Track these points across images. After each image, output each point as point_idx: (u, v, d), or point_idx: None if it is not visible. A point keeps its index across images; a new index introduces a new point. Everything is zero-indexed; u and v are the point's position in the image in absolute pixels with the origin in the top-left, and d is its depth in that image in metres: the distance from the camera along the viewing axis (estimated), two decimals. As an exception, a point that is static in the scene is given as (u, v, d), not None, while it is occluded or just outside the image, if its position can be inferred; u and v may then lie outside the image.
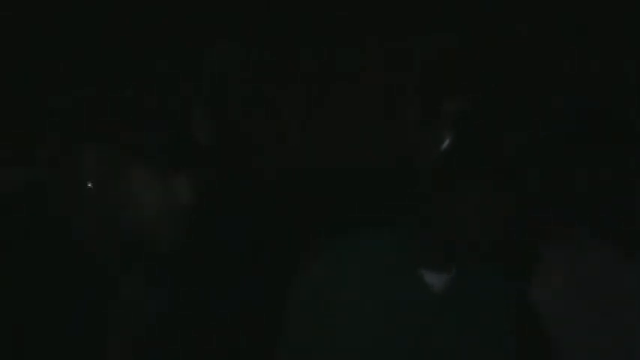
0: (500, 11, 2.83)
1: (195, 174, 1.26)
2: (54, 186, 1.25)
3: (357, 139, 2.90)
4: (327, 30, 2.92)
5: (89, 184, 1.22)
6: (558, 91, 2.70)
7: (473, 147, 1.39)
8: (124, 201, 1.22)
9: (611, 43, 2.80)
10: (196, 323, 1.41)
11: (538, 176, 1.42)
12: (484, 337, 1.52)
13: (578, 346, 1.81)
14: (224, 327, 1.92)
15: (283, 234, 2.53)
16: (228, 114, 2.81)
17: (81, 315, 1.20)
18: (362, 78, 2.94)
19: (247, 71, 2.93)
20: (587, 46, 2.81)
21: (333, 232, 1.57)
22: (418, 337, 1.48)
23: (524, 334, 1.59)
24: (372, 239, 1.55)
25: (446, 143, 1.39)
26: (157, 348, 1.32)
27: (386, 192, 1.55)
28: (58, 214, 1.23)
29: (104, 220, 1.23)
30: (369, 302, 1.49)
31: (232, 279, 2.35)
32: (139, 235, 1.23)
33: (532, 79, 2.79)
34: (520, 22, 2.87)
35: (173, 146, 1.22)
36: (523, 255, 1.84)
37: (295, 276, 1.54)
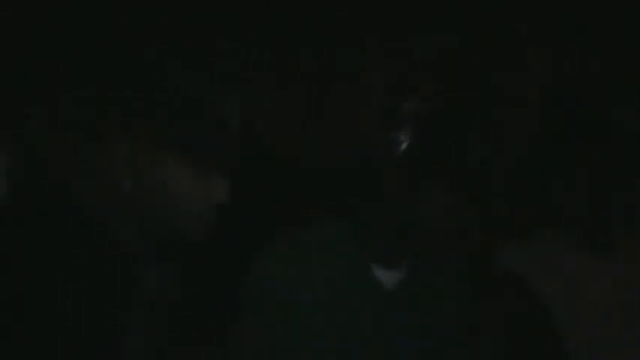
0: (500, 11, 2.83)
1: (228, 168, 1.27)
2: (87, 182, 1.25)
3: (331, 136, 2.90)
4: (327, 30, 2.92)
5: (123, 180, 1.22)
6: (558, 90, 2.70)
7: (433, 146, 1.40)
8: (159, 195, 1.22)
9: (611, 43, 2.81)
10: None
11: (505, 178, 1.43)
12: (438, 333, 1.53)
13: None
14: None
15: (249, 223, 2.53)
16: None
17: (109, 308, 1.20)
18: (362, 78, 2.94)
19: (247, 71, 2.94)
20: (587, 46, 2.82)
21: (290, 223, 1.56)
22: (372, 330, 1.48)
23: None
24: (330, 231, 1.55)
25: (407, 141, 1.40)
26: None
27: (346, 187, 1.56)
28: (94, 212, 1.23)
29: (139, 215, 1.24)
30: (324, 294, 1.48)
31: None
32: (173, 229, 1.24)
33: (531, 79, 2.79)
34: (520, 22, 2.87)
35: (209, 140, 1.24)
36: (484, 253, 1.85)
37: (251, 265, 1.53)
